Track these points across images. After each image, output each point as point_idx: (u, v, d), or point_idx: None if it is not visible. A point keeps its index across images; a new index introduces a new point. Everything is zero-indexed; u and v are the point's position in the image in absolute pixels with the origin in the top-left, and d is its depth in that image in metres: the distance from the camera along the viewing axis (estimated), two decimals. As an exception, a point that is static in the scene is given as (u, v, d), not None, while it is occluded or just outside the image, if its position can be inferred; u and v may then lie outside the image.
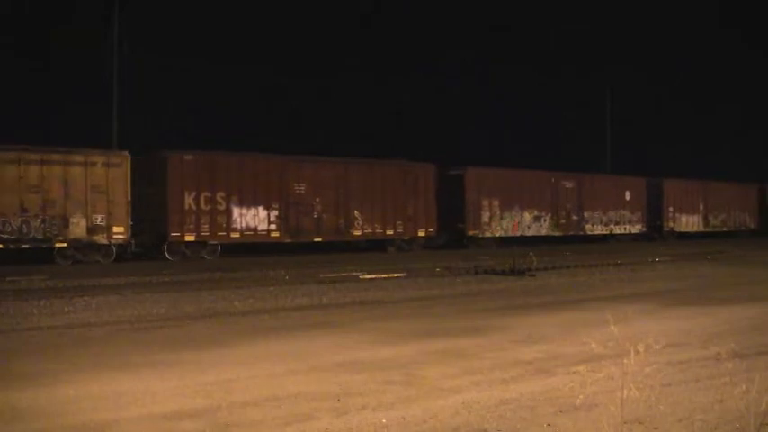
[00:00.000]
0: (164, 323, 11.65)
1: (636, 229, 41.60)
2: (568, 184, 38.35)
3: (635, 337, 5.31)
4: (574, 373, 7.56)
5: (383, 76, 57.20)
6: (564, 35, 66.36)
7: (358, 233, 30.21)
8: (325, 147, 38.31)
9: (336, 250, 29.87)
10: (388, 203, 30.90)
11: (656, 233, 42.46)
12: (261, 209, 27.61)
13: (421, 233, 32.02)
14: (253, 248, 28.38)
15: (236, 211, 27.04)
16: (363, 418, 6.16)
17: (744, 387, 5.66)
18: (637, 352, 5.18)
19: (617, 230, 40.61)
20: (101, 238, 23.90)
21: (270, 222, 27.83)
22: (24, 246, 22.82)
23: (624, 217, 41.10)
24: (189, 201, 26.00)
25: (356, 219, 30.01)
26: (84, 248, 23.75)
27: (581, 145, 57.16)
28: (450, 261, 24.18)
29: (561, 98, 62.86)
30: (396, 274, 19.74)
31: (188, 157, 26.31)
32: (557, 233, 37.51)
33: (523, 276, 19.53)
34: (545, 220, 37.07)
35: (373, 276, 19.34)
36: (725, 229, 46.64)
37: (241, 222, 27.17)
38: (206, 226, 26.31)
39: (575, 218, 38.51)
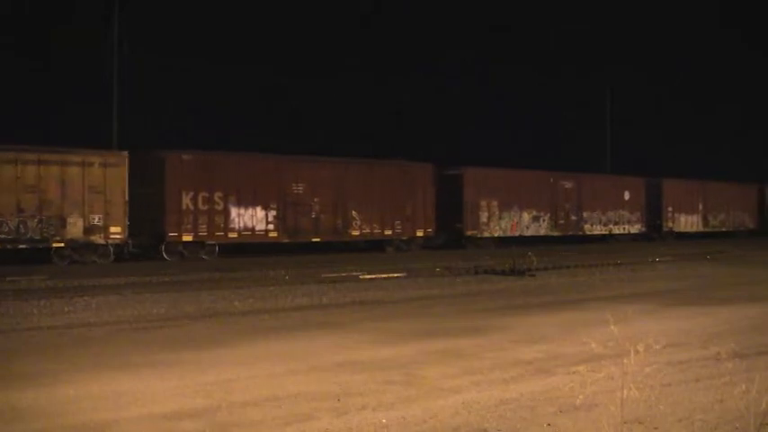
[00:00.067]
0: (164, 323, 11.65)
1: (635, 229, 41.58)
2: (567, 184, 38.31)
3: (635, 337, 5.31)
4: (574, 373, 7.56)
5: (383, 76, 57.21)
6: (564, 35, 66.37)
7: (356, 233, 30.17)
8: (325, 147, 38.34)
9: (334, 250, 29.84)
10: (387, 203, 30.84)
11: (655, 233, 42.44)
12: (259, 209, 27.55)
13: (419, 233, 31.97)
14: (251, 249, 28.33)
15: (233, 211, 26.98)
16: (363, 418, 6.16)
17: (744, 387, 5.67)
18: (637, 352, 5.18)
19: (616, 230, 40.59)
20: (98, 239, 23.82)
21: (268, 222, 27.77)
22: (21, 246, 22.74)
23: (623, 217, 41.06)
24: (186, 201, 25.93)
25: (354, 219, 29.96)
26: (81, 249, 23.67)
27: (581, 145, 57.17)
28: (449, 261, 24.17)
29: (561, 98, 62.88)
30: (396, 274, 19.74)
31: (186, 156, 26.26)
32: (555, 233, 37.47)
33: (523, 276, 19.53)
34: (544, 221, 37.03)
35: (373, 276, 19.34)
36: (724, 229, 46.62)
37: (239, 222, 27.12)
38: (204, 226, 26.23)
39: (573, 218, 38.48)
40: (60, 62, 43.06)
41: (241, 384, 7.37)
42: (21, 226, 22.60)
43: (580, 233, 38.76)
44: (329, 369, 8.11)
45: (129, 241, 24.58)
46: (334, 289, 16.22)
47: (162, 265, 23.13)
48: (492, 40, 64.40)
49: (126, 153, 24.84)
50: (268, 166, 27.99)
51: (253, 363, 8.46)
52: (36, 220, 22.83)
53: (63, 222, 23.24)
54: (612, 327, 5.53)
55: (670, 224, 43.24)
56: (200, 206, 26.23)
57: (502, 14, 67.34)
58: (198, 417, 6.22)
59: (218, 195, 26.61)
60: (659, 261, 25.69)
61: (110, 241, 24.06)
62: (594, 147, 54.57)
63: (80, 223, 23.46)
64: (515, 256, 21.16)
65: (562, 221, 37.87)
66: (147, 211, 25.30)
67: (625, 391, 5.07)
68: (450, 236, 33.69)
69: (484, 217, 34.47)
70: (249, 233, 27.39)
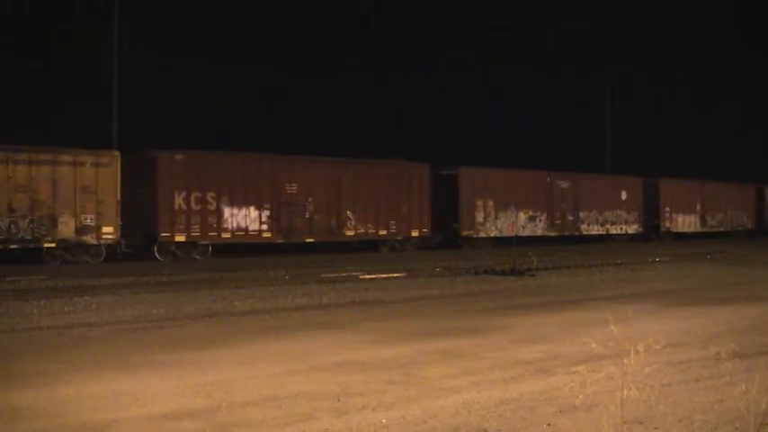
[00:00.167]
0: (163, 323, 11.65)
1: (632, 229, 41.52)
2: (564, 184, 38.23)
3: (635, 337, 5.31)
4: (574, 373, 7.55)
5: (383, 76, 57.20)
6: (564, 35, 66.36)
7: (351, 233, 30.08)
8: (325, 147, 38.34)
9: (329, 250, 29.77)
10: (382, 203, 30.76)
11: (652, 233, 42.39)
12: (252, 209, 27.47)
13: (414, 233, 31.89)
14: (244, 249, 28.22)
15: (226, 211, 26.90)
16: (363, 418, 6.16)
17: (744, 387, 5.66)
18: (637, 352, 5.18)
19: (613, 230, 40.52)
20: (90, 239, 23.74)
21: (261, 222, 27.69)
22: (12, 246, 22.66)
23: (620, 217, 41.00)
24: (179, 201, 25.85)
25: (349, 219, 29.89)
26: (72, 249, 23.57)
27: (581, 145, 57.17)
28: (448, 261, 24.17)
29: (561, 98, 62.87)
30: (396, 274, 19.73)
31: (178, 156, 26.16)
32: (552, 233, 37.39)
33: (523, 276, 19.53)
34: (540, 221, 36.95)
35: (373, 276, 19.34)
36: (722, 230, 46.58)
37: (232, 222, 27.04)
38: (196, 226, 26.15)
39: (570, 218, 38.41)
40: (60, 62, 43.06)
41: (241, 384, 7.37)
42: (12, 226, 22.52)
43: (577, 233, 38.69)
44: (329, 369, 8.11)
45: (122, 241, 24.50)
46: (334, 289, 16.22)
47: (162, 266, 23.13)
48: (492, 40, 64.40)
49: (118, 153, 24.75)
50: (261, 166, 27.90)
51: (253, 363, 8.46)
52: (27, 221, 22.74)
53: (54, 222, 23.15)
54: (612, 327, 5.52)
55: (668, 224, 43.21)
56: (193, 206, 26.15)
57: (502, 14, 67.34)
58: (198, 417, 6.22)
59: (210, 195, 26.52)
60: (659, 261, 25.68)
61: (102, 241, 23.98)
62: (594, 147, 54.60)
63: (72, 223, 23.38)
64: (515, 256, 21.16)
65: (559, 221, 37.82)
66: (140, 211, 25.21)
67: (625, 391, 5.07)
68: (446, 236, 33.61)
69: (480, 217, 34.42)
70: (242, 233, 27.30)
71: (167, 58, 42.96)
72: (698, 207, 45.05)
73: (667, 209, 43.15)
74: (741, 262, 26.14)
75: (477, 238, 34.17)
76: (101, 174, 23.90)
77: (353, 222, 30.04)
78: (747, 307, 13.45)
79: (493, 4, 71.57)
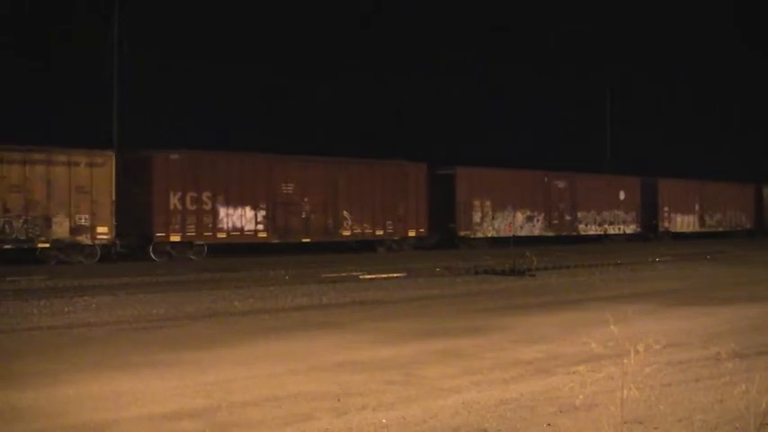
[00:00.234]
0: (164, 323, 11.65)
1: (630, 229, 41.46)
2: (561, 184, 38.17)
3: (635, 337, 5.31)
4: (574, 373, 7.55)
5: (383, 76, 57.16)
6: (564, 35, 66.32)
7: (347, 233, 30.02)
8: (325, 147, 38.32)
9: (325, 251, 29.72)
10: (378, 203, 30.69)
11: (651, 233, 42.35)
12: (248, 209, 27.41)
13: (411, 233, 31.81)
14: (240, 249, 28.16)
15: (222, 211, 26.83)
16: (363, 418, 6.16)
17: (744, 387, 5.66)
18: (637, 352, 5.17)
19: (611, 230, 40.47)
20: (84, 239, 23.66)
21: (257, 222, 27.63)
22: (6, 246, 22.57)
23: (618, 217, 40.95)
24: (174, 201, 25.78)
25: (345, 219, 29.82)
26: (67, 249, 23.48)
27: (581, 145, 57.15)
28: (447, 261, 24.17)
29: (561, 98, 62.85)
30: (396, 274, 19.74)
31: (173, 156, 26.07)
32: (550, 233, 37.33)
33: (523, 276, 19.53)
34: (538, 221, 36.89)
35: (373, 276, 19.34)
36: (721, 230, 46.55)
37: (228, 222, 26.97)
38: (192, 226, 26.08)
39: (568, 218, 38.35)
40: (60, 62, 43.04)
41: (241, 384, 7.37)
42: (6, 226, 22.45)
43: (574, 233, 38.63)
44: (329, 369, 8.11)
45: (117, 241, 24.42)
46: (334, 289, 16.22)
47: (159, 266, 23.13)
48: (492, 40, 64.35)
49: (112, 153, 24.67)
50: (257, 166, 27.84)
51: (253, 363, 8.46)
52: (21, 221, 22.65)
53: (49, 222, 23.06)
54: (612, 327, 5.52)
55: (666, 224, 43.17)
56: (189, 206, 26.08)
57: (502, 14, 67.31)
58: (198, 417, 6.22)
59: (206, 195, 26.46)
60: (659, 261, 25.68)
61: (96, 242, 23.90)
62: (594, 147, 54.60)
63: (66, 223, 23.30)
64: (515, 256, 21.16)
65: (556, 221, 37.76)
66: (135, 212, 25.15)
67: (625, 391, 5.07)
68: (444, 236, 33.52)
69: (477, 217, 34.36)
70: (238, 233, 27.25)
71: (167, 58, 42.95)
72: (696, 207, 45.03)
73: (666, 209, 43.13)
74: (741, 262, 26.13)
75: (475, 239, 34.09)
76: (95, 174, 23.81)
77: (350, 222, 29.98)
78: (748, 307, 13.45)
79: (493, 4, 71.55)
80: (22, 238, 22.75)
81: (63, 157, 23.41)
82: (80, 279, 18.21)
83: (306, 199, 28.79)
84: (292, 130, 48.82)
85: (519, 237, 35.00)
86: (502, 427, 5.88)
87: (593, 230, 39.53)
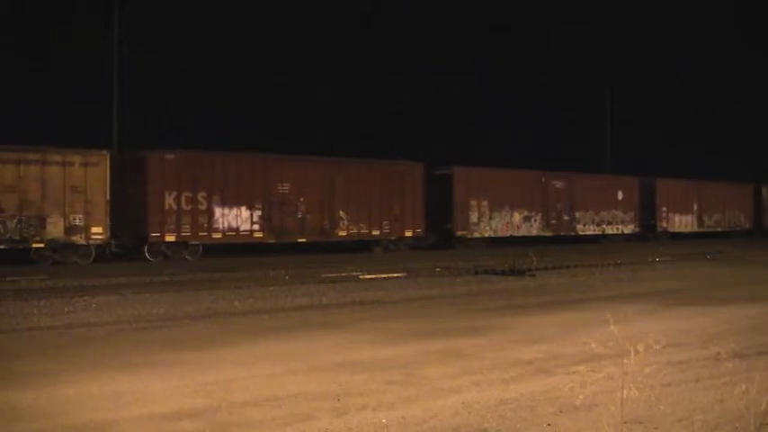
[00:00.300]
0: (164, 323, 11.65)
1: (628, 229, 41.40)
2: (559, 184, 38.10)
3: (635, 337, 5.31)
4: (574, 373, 7.56)
5: (383, 76, 57.17)
6: (564, 35, 66.34)
7: (343, 233, 29.92)
8: (325, 147, 38.31)
9: (321, 251, 29.67)
10: (375, 203, 30.59)
11: (649, 233, 42.30)
12: (243, 209, 27.31)
13: (408, 233, 31.71)
14: (236, 249, 28.06)
15: (217, 211, 26.73)
16: (363, 418, 6.16)
17: (744, 387, 5.67)
18: (637, 352, 5.18)
19: (609, 230, 40.41)
20: (79, 239, 23.53)
21: (253, 222, 27.53)
22: (0, 247, 22.48)
23: (616, 217, 40.88)
24: (169, 200, 25.68)
25: (341, 219, 29.72)
26: (61, 249, 23.35)
27: (581, 145, 57.16)
28: (448, 261, 24.18)
29: (561, 98, 62.86)
30: (396, 274, 19.74)
31: (169, 156, 25.97)
32: (547, 233, 37.24)
33: (523, 276, 19.54)
34: (535, 221, 36.79)
35: (373, 276, 19.34)
36: (719, 230, 46.51)
37: (223, 222, 26.87)
38: (187, 226, 25.97)
39: (566, 218, 38.27)
40: (60, 62, 43.05)
41: (241, 384, 7.37)
42: (0, 227, 22.36)
43: (572, 233, 38.55)
44: (329, 369, 8.11)
45: (112, 242, 24.28)
46: (334, 289, 16.23)
47: (162, 266, 23.13)
48: (492, 40, 64.36)
49: (107, 152, 24.49)
50: (253, 166, 27.74)
51: (253, 363, 8.46)
52: (15, 221, 22.52)
53: (43, 223, 22.93)
54: (612, 327, 5.53)
55: (664, 224, 43.12)
56: (184, 206, 25.98)
57: (502, 14, 67.32)
58: (198, 417, 6.22)
59: (201, 195, 26.35)
60: (659, 261, 25.69)
61: (91, 242, 23.76)
62: (594, 147, 54.60)
63: (60, 223, 23.17)
64: (515, 256, 21.16)
65: (554, 221, 37.69)
66: (130, 212, 25.05)
67: (625, 391, 5.07)
68: (441, 236, 33.41)
69: (474, 217, 34.27)
70: (233, 233, 27.15)
71: (167, 58, 42.95)
72: (695, 207, 45.00)
73: (664, 209, 43.09)
74: (740, 262, 26.14)
75: (472, 239, 33.99)
76: (90, 173, 23.67)
77: (346, 222, 29.89)
78: (747, 307, 13.45)
79: (493, 4, 71.57)
80: (17, 238, 22.61)
81: (57, 157, 23.28)
82: (80, 279, 18.21)
83: (302, 199, 28.69)
84: (292, 130, 48.83)
85: (516, 237, 34.96)
86: (502, 427, 5.88)
87: (591, 230, 39.48)
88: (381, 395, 6.92)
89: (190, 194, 26.13)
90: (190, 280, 18.59)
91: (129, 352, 9.15)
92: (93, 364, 8.43)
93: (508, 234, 35.27)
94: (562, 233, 38.02)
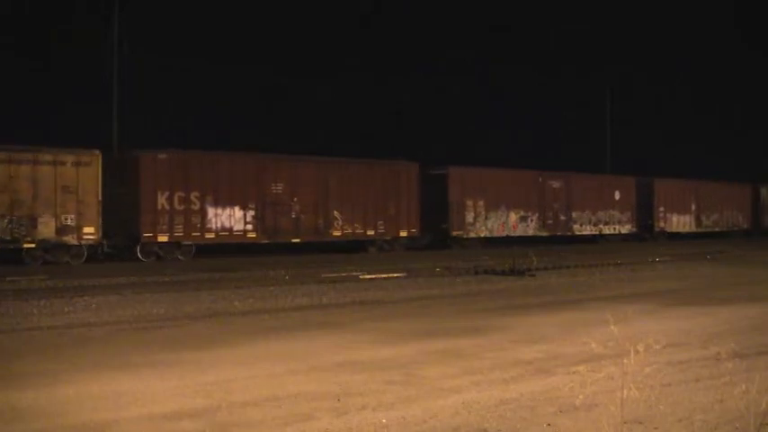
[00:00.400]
0: (164, 323, 11.65)
1: (626, 229, 41.33)
2: (555, 184, 38.02)
3: (635, 337, 5.31)
4: (574, 373, 7.56)
5: (383, 76, 57.20)
6: (564, 35, 66.38)
7: (338, 233, 29.82)
8: (325, 147, 38.32)
9: (315, 251, 29.60)
10: (369, 203, 30.48)
11: (646, 233, 42.27)
12: (237, 209, 27.20)
13: (403, 233, 31.63)
14: (230, 249, 27.94)
15: (210, 212, 26.63)
16: (363, 418, 6.16)
17: (744, 387, 5.67)
18: (637, 352, 5.18)
19: (606, 230, 40.33)
20: (71, 239, 23.42)
21: (246, 223, 27.42)
22: None
23: (614, 217, 40.81)
24: (162, 200, 25.58)
25: (336, 219, 29.62)
26: (53, 249, 23.25)
27: (581, 145, 57.18)
28: (448, 261, 24.18)
29: (561, 98, 62.89)
30: (396, 274, 19.74)
31: (161, 155, 25.86)
32: (544, 233, 37.14)
33: (523, 276, 19.54)
34: (531, 221, 36.71)
35: (373, 276, 19.34)
36: (717, 230, 46.48)
37: (216, 222, 26.76)
38: (180, 226, 25.87)
39: (562, 218, 38.20)
40: (60, 62, 43.07)
41: (241, 384, 7.37)
42: None
43: (569, 233, 38.46)
44: (329, 369, 8.11)
45: (104, 242, 24.18)
46: (334, 289, 16.23)
47: (162, 266, 23.13)
48: (492, 40, 64.40)
49: (99, 152, 24.30)
50: (246, 166, 27.64)
51: (253, 363, 8.46)
52: (6, 221, 22.42)
53: (34, 223, 22.81)
54: (612, 327, 5.53)
55: (662, 224, 43.08)
56: (176, 206, 25.88)
57: (502, 14, 67.36)
58: (198, 417, 6.22)
59: (194, 195, 26.24)
60: (659, 261, 25.69)
61: (83, 242, 23.65)
62: (594, 147, 54.61)
63: (52, 223, 23.05)
64: (515, 256, 21.16)
65: (550, 221, 37.62)
66: (122, 212, 24.94)
67: (625, 391, 5.07)
68: (436, 236, 33.34)
69: (470, 217, 34.19)
70: (227, 234, 27.04)
71: (167, 58, 42.97)
72: (693, 207, 44.96)
73: (661, 209, 43.05)
74: (740, 262, 26.14)
75: (467, 239, 33.90)
76: (81, 173, 23.54)
77: (341, 222, 29.78)
78: (747, 307, 13.45)
79: (493, 4, 71.61)
80: (8, 238, 22.48)
81: (49, 157, 23.13)
82: (80, 279, 18.21)
83: (296, 199, 28.58)
84: (292, 130, 48.85)
85: (512, 237, 34.84)
86: (502, 427, 5.88)
87: (588, 230, 39.41)
88: (381, 395, 6.92)
89: (182, 194, 26.02)
90: (190, 280, 18.59)
91: (129, 352, 9.15)
92: (93, 364, 8.43)
93: (504, 234, 35.19)
94: (558, 233, 37.95)
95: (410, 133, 52.83)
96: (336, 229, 29.75)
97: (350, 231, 30.12)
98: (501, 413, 6.28)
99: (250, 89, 50.66)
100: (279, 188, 28.20)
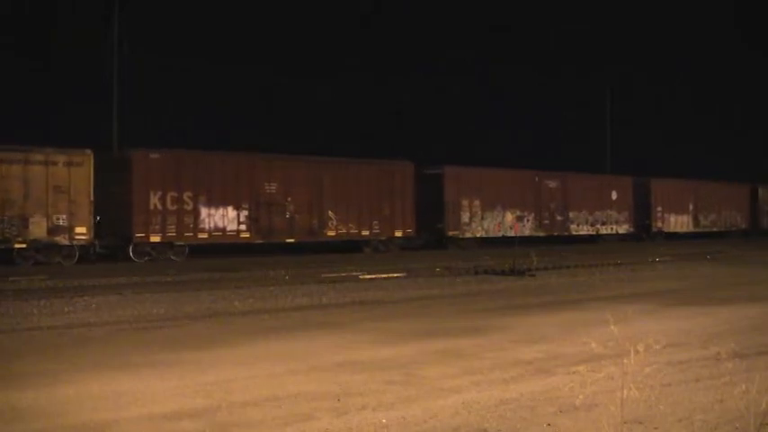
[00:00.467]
0: (164, 323, 11.65)
1: (623, 229, 41.26)
2: (552, 184, 37.94)
3: (635, 337, 5.31)
4: (574, 373, 7.56)
5: (383, 76, 57.25)
6: (564, 35, 66.43)
7: (332, 233, 29.71)
8: (325, 147, 38.34)
9: (310, 251, 29.53)
10: (364, 203, 30.38)
11: (643, 233, 42.23)
12: (230, 209, 27.07)
13: (398, 233, 31.51)
14: (223, 250, 27.87)
15: (203, 211, 26.49)
16: (363, 418, 6.16)
17: (744, 387, 5.67)
18: (637, 352, 5.18)
19: (603, 230, 40.26)
20: (62, 239, 23.31)
21: (239, 223, 27.30)
22: None
23: (611, 217, 40.75)
24: (154, 200, 25.46)
25: (330, 219, 29.51)
26: (44, 249, 23.14)
27: (581, 145, 57.21)
28: (448, 261, 24.18)
29: (561, 98, 62.93)
30: (396, 274, 19.74)
31: (154, 155, 25.74)
32: (540, 233, 37.04)
33: (523, 276, 19.53)
34: (528, 221, 36.61)
35: (373, 276, 19.34)
36: (715, 230, 46.46)
37: (209, 223, 26.63)
38: (172, 227, 25.74)
39: (559, 218, 38.11)
40: (60, 62, 43.10)
41: (241, 384, 7.37)
42: None
43: (566, 233, 38.36)
44: (329, 369, 8.11)
45: (96, 242, 24.10)
46: (334, 289, 16.22)
47: (162, 266, 23.13)
48: (492, 40, 64.47)
49: (91, 152, 24.16)
50: (239, 165, 27.51)
51: (253, 363, 8.46)
52: None
53: (26, 223, 22.71)
54: (612, 327, 5.53)
55: (659, 224, 43.04)
56: (169, 206, 25.75)
57: (502, 14, 67.39)
58: (198, 417, 6.22)
59: (187, 195, 26.12)
60: (659, 261, 25.69)
61: (75, 242, 23.56)
62: (594, 147, 54.64)
63: (43, 223, 22.94)
64: (515, 256, 21.16)
65: (547, 221, 37.51)
66: (114, 212, 24.87)
67: (625, 391, 5.07)
68: (432, 236, 33.24)
69: (465, 217, 34.09)
70: (220, 234, 26.91)
71: (167, 58, 43.01)
72: (691, 207, 44.92)
73: (659, 209, 43.01)
74: (740, 262, 26.14)
75: (463, 239, 33.81)
76: (73, 173, 23.42)
77: (335, 222, 29.66)
78: (747, 307, 13.45)
79: (493, 4, 71.64)
80: None
81: (40, 157, 23.01)
82: (80, 279, 18.21)
83: (290, 199, 28.46)
84: (292, 130, 48.87)
85: (509, 237, 34.71)
86: (502, 427, 5.88)
87: (584, 230, 39.34)
88: (381, 395, 6.92)
89: (175, 194, 25.88)
90: (190, 280, 18.59)
91: (129, 352, 9.15)
92: (93, 364, 8.43)
93: (500, 234, 35.09)
94: (555, 233, 37.86)
95: (410, 133, 52.89)
96: (331, 230, 29.65)
97: (344, 231, 30.01)
98: (501, 413, 6.28)
99: (250, 89, 50.70)
100: (272, 188, 28.09)
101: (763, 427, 5.16)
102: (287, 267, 21.59)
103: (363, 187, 30.50)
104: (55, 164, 23.24)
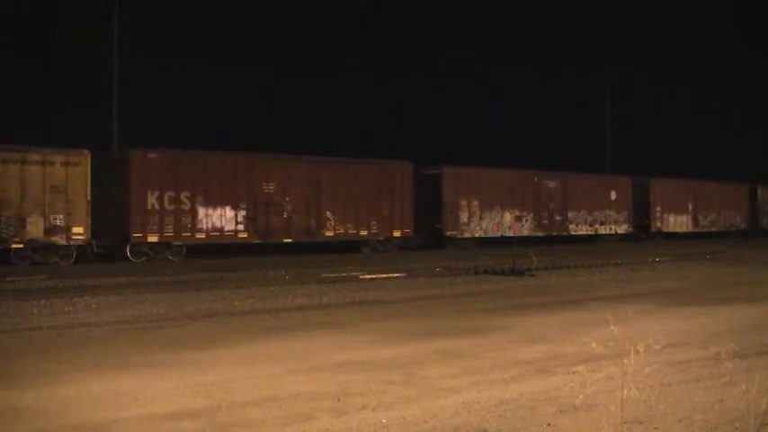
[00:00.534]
0: (164, 323, 11.65)
1: (621, 229, 41.22)
2: (551, 184, 37.87)
3: (635, 337, 5.31)
4: (574, 373, 7.56)
5: (383, 76, 57.26)
6: (564, 35, 66.45)
7: (330, 234, 29.63)
8: (324, 147, 38.34)
9: (308, 251, 29.51)
10: (362, 203, 30.31)
11: (642, 233, 42.20)
12: (228, 209, 26.99)
13: (396, 233, 31.44)
14: (221, 250, 27.83)
15: (201, 211, 26.42)
16: (363, 418, 6.16)
17: (744, 387, 5.67)
18: (637, 352, 5.18)
19: (602, 231, 40.21)
20: (59, 239, 23.25)
21: (237, 223, 27.22)
22: None
23: (610, 217, 40.69)
24: (152, 200, 25.39)
25: (328, 219, 29.44)
26: (41, 249, 23.08)
27: (581, 145, 57.22)
28: (448, 261, 24.18)
29: (561, 98, 62.94)
30: (396, 274, 19.74)
31: (151, 155, 25.66)
32: (539, 233, 36.95)
33: (523, 276, 19.54)
34: (527, 221, 36.53)
35: (373, 276, 19.34)
36: (714, 230, 46.44)
37: (207, 223, 26.56)
38: (170, 227, 25.67)
39: (558, 218, 38.05)
40: (60, 62, 43.11)
41: (241, 384, 7.37)
42: None
43: (565, 233, 38.30)
44: (329, 369, 8.11)
45: (93, 242, 24.04)
46: (334, 289, 16.22)
47: (159, 266, 23.12)
48: (492, 40, 64.49)
49: (88, 152, 24.08)
50: (237, 165, 27.45)
51: (253, 363, 8.46)
52: None
53: (23, 223, 22.65)
54: (612, 327, 5.52)
55: (658, 224, 43.01)
56: (167, 206, 25.69)
57: (502, 14, 67.40)
58: (198, 417, 6.22)
59: (185, 195, 26.05)
60: (659, 261, 25.69)
61: (72, 242, 23.49)
62: (594, 147, 54.65)
63: (40, 223, 22.88)
64: (515, 256, 21.16)
65: (546, 221, 37.45)
66: (112, 211, 24.81)
67: (625, 391, 5.07)
68: (430, 236, 33.18)
69: (464, 217, 34.03)
70: (218, 234, 26.84)
71: (167, 58, 43.01)
72: (690, 207, 44.89)
73: (658, 209, 42.98)
74: (739, 262, 26.14)
75: (462, 239, 33.74)
76: (71, 173, 23.36)
77: (333, 222, 29.59)
78: (747, 307, 13.45)
79: (493, 4, 71.65)
80: None
81: (37, 157, 22.95)
82: (80, 279, 18.21)
83: (287, 199, 28.38)
84: (292, 130, 48.88)
85: (507, 237, 34.66)
86: (502, 427, 5.88)
87: (583, 230, 39.28)
88: (381, 395, 6.92)
89: (173, 194, 25.81)
90: (190, 280, 18.58)
91: (129, 352, 9.15)
92: (93, 364, 8.43)
93: (499, 234, 35.05)
94: (554, 233, 37.79)
95: (410, 133, 52.90)
96: (329, 230, 29.58)
97: (342, 232, 29.93)
98: (501, 413, 6.28)
99: (250, 89, 50.70)
100: (270, 188, 28.03)
101: (763, 427, 5.16)
102: (287, 267, 21.58)
103: (362, 187, 30.42)
104: (52, 164, 23.18)
